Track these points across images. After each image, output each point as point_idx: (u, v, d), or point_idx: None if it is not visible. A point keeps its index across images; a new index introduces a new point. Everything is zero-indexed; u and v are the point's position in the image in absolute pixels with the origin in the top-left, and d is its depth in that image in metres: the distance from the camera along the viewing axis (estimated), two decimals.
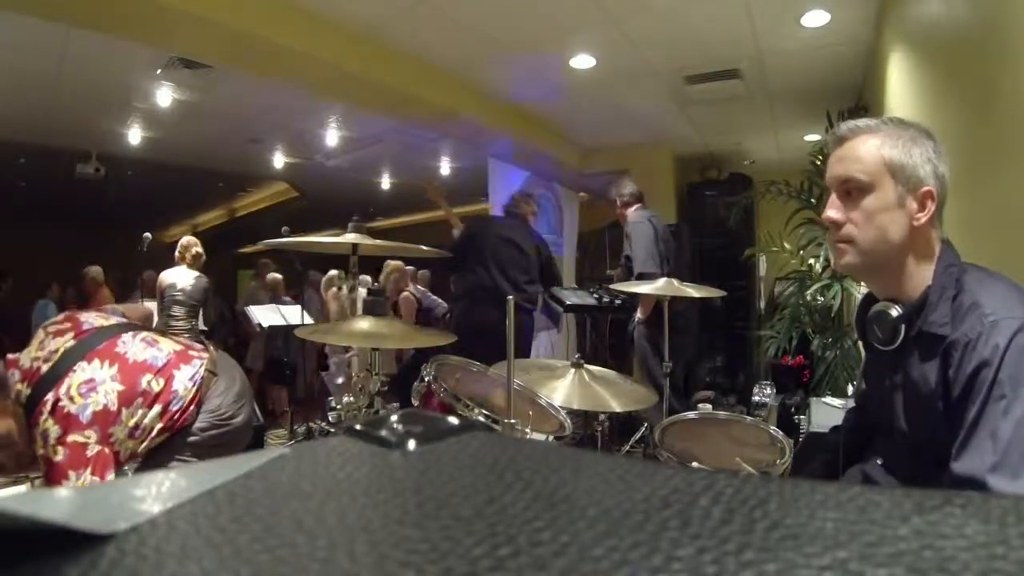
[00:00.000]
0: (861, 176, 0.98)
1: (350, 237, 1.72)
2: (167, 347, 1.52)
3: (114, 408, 1.35)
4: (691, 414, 1.75)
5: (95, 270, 4.97)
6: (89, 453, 1.30)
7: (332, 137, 5.23)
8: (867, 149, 0.98)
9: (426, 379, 1.63)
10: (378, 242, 1.89)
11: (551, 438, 1.60)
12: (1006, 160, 1.39)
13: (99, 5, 2.49)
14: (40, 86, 3.91)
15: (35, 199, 7.53)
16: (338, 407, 1.64)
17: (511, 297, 1.36)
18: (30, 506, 0.17)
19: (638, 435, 3.36)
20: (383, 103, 3.88)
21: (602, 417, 2.23)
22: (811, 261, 3.36)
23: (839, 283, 3.07)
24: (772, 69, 3.73)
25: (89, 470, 1.29)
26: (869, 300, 1.11)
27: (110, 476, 1.33)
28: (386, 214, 9.14)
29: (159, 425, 1.42)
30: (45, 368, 1.34)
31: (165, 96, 4.14)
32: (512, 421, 1.37)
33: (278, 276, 5.69)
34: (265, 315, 4.50)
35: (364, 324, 1.58)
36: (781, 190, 3.52)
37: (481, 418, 1.54)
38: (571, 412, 1.76)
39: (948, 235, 1.03)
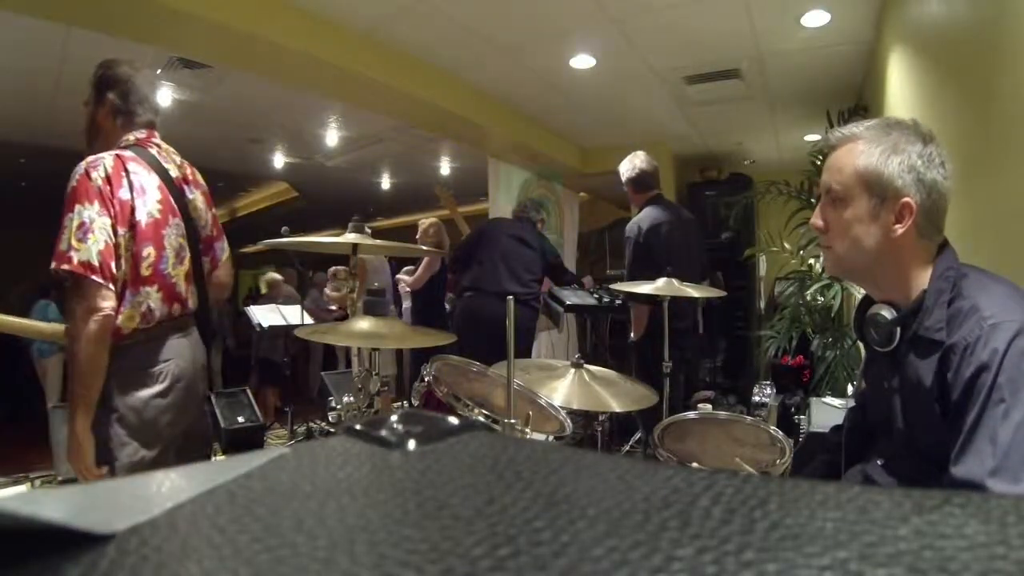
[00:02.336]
0: (837, 187, 0.99)
1: (350, 237, 1.72)
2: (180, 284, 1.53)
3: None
4: (691, 414, 1.75)
5: None
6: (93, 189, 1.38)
7: (332, 137, 5.23)
8: (847, 160, 0.98)
9: (426, 379, 1.63)
10: (378, 242, 1.89)
11: (551, 438, 1.60)
12: (1006, 160, 1.39)
13: (99, 5, 2.49)
14: (40, 86, 3.90)
15: (35, 199, 7.53)
16: (338, 407, 1.64)
17: (511, 297, 1.36)
18: (30, 506, 0.17)
19: (635, 438, 3.35)
20: (383, 103, 3.88)
21: (602, 417, 2.23)
22: (811, 261, 3.36)
23: (839, 283, 3.07)
24: (772, 69, 3.73)
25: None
26: (867, 301, 1.10)
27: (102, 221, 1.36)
28: (386, 214, 9.14)
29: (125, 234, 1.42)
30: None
31: (165, 96, 4.13)
32: (512, 421, 1.37)
33: (277, 276, 5.72)
34: (265, 315, 4.50)
35: (364, 324, 1.58)
36: (781, 190, 3.53)
37: (481, 418, 1.54)
38: (571, 412, 1.76)
39: (947, 235, 1.03)
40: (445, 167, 6.41)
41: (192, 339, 1.58)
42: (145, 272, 1.43)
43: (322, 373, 4.31)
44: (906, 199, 0.94)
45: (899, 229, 0.95)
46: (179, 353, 1.52)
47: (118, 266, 1.38)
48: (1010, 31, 1.35)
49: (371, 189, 7.43)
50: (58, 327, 1.56)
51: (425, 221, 4.09)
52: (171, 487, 0.22)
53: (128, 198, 1.41)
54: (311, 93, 3.81)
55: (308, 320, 4.38)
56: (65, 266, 1.32)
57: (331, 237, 2.12)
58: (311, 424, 3.97)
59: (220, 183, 7.18)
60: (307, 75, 3.37)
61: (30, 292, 5.83)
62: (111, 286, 1.36)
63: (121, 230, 1.39)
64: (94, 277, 1.33)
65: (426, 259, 3.83)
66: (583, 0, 2.93)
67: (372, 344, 1.63)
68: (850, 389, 2.77)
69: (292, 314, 4.46)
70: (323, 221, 8.62)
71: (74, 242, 1.32)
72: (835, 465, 1.24)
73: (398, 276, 4.02)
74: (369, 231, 1.80)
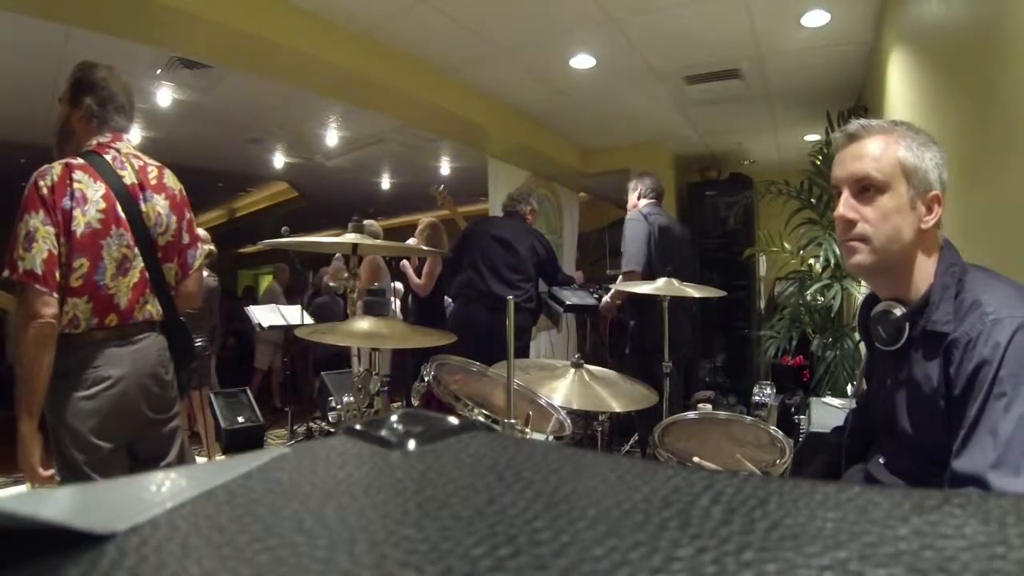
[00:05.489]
0: (877, 175, 0.98)
1: (350, 237, 1.72)
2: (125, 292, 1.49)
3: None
4: (691, 414, 1.75)
5: None
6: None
7: (332, 137, 5.23)
8: (883, 149, 0.99)
9: (426, 379, 1.63)
10: (378, 242, 1.89)
11: (551, 438, 1.60)
12: (1006, 160, 1.39)
13: (99, 5, 2.49)
14: (40, 86, 3.90)
15: None
16: (338, 407, 1.64)
17: (511, 297, 1.35)
18: (30, 506, 0.17)
19: (629, 444, 3.37)
20: (383, 103, 3.87)
21: (602, 417, 2.23)
22: (811, 261, 3.36)
23: (839, 283, 3.07)
24: (772, 69, 3.73)
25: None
26: (871, 300, 1.11)
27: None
28: (386, 214, 9.14)
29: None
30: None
31: (165, 96, 4.13)
32: (512, 421, 1.37)
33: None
34: (265, 315, 4.50)
35: (364, 324, 1.58)
36: (781, 190, 3.52)
37: (481, 418, 1.54)
38: (571, 412, 1.76)
39: (948, 235, 1.04)
40: (445, 167, 6.40)
41: (138, 348, 1.51)
42: (75, 283, 1.41)
43: (322, 373, 4.30)
44: (936, 192, 0.98)
45: (930, 221, 0.98)
46: (112, 361, 1.47)
47: (61, 274, 1.39)
48: (1010, 31, 1.35)
49: (371, 189, 7.43)
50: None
51: (423, 221, 4.06)
52: (171, 487, 0.22)
53: (69, 207, 1.41)
54: (311, 93, 3.81)
55: (308, 320, 4.37)
56: (12, 274, 1.36)
57: (331, 237, 2.11)
58: (311, 424, 3.97)
59: (220, 183, 7.19)
60: (307, 75, 3.37)
61: None
62: (53, 294, 1.37)
63: (62, 239, 1.40)
64: (36, 285, 1.35)
65: (428, 262, 3.79)
66: (583, 0, 2.93)
67: (372, 344, 1.63)
68: (850, 389, 2.77)
69: (292, 314, 4.46)
70: (323, 221, 8.62)
71: (20, 251, 1.36)
72: (835, 466, 1.24)
73: (402, 263, 3.96)
74: (379, 227, 1.79)
